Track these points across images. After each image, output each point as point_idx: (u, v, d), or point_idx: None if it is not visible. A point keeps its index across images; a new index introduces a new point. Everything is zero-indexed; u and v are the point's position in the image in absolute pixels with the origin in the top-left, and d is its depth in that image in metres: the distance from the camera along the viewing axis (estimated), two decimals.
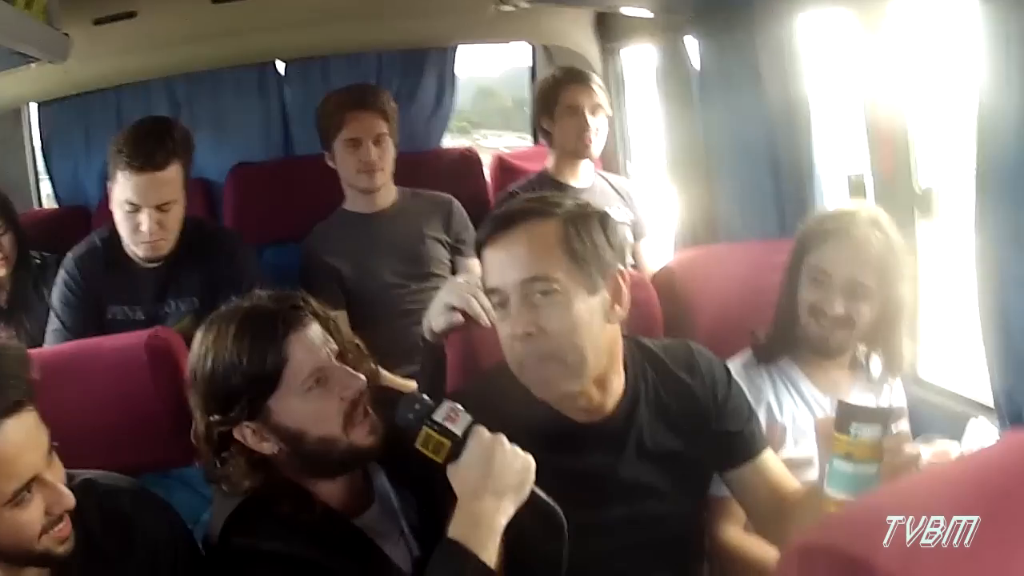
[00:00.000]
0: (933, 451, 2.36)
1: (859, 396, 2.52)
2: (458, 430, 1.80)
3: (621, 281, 1.96)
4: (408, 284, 3.63)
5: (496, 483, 1.78)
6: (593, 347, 1.94)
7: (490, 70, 8.27)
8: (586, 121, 3.90)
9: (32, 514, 1.71)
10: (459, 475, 1.80)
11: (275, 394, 1.92)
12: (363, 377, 1.98)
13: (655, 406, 2.09)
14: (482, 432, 1.81)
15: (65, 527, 1.77)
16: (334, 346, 1.99)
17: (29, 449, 1.70)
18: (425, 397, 1.85)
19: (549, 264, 1.91)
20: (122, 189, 2.98)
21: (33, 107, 4.78)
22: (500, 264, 1.96)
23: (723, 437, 2.13)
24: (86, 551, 1.83)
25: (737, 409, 2.15)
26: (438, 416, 1.81)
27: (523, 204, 2.02)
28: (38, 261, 3.81)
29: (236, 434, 1.95)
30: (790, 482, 2.15)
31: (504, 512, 1.79)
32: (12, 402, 1.67)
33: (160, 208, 2.99)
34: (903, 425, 2.20)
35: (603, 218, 2.00)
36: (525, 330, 1.92)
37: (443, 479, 1.83)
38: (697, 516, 2.25)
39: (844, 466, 1.82)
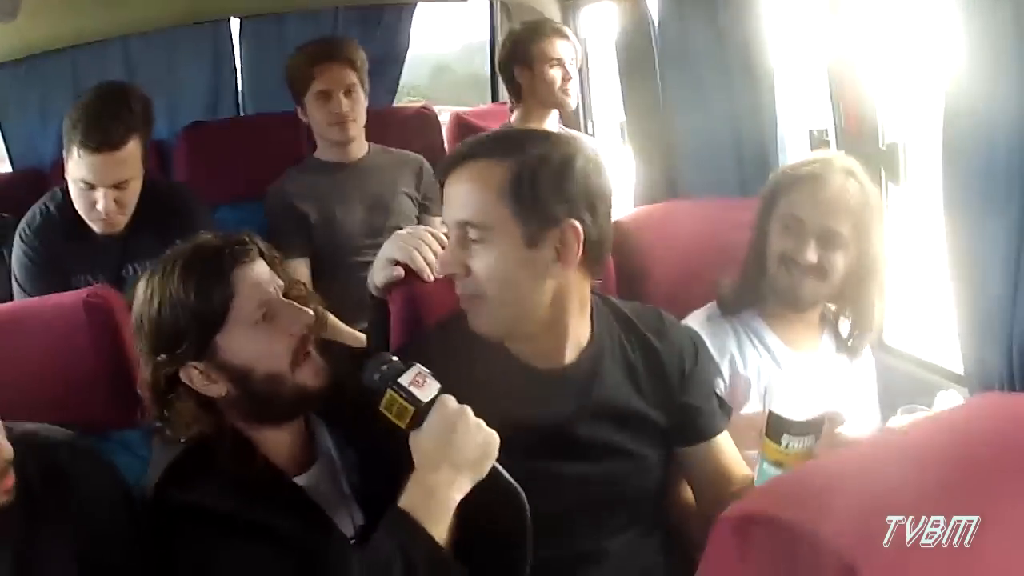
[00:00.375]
0: (913, 419, 2.35)
1: (827, 355, 2.52)
2: (424, 396, 1.77)
3: (573, 237, 1.89)
4: (374, 237, 3.57)
5: (455, 456, 1.76)
6: (520, 297, 1.92)
7: (447, 46, 8.34)
8: (567, 70, 3.94)
9: None
10: (419, 444, 1.77)
11: (222, 330, 1.90)
12: (311, 312, 1.96)
13: (622, 363, 2.07)
14: (448, 401, 1.77)
15: (8, 479, 1.73)
16: (280, 283, 1.98)
17: None
18: (394, 358, 1.81)
19: (485, 209, 1.89)
20: (77, 167, 2.91)
21: None
22: (447, 202, 1.96)
23: (683, 410, 2.10)
24: (24, 503, 1.79)
25: (701, 384, 2.13)
26: (404, 380, 1.77)
27: (482, 140, 1.99)
28: None
29: (183, 376, 1.92)
30: (740, 469, 2.14)
31: (459, 487, 1.77)
32: None
33: (117, 186, 2.94)
34: (845, 423, 2.18)
35: (568, 164, 1.92)
36: (451, 269, 1.94)
37: (391, 442, 1.80)
38: (660, 473, 2.17)
39: (774, 471, 1.84)
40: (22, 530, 1.79)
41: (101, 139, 2.86)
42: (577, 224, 1.88)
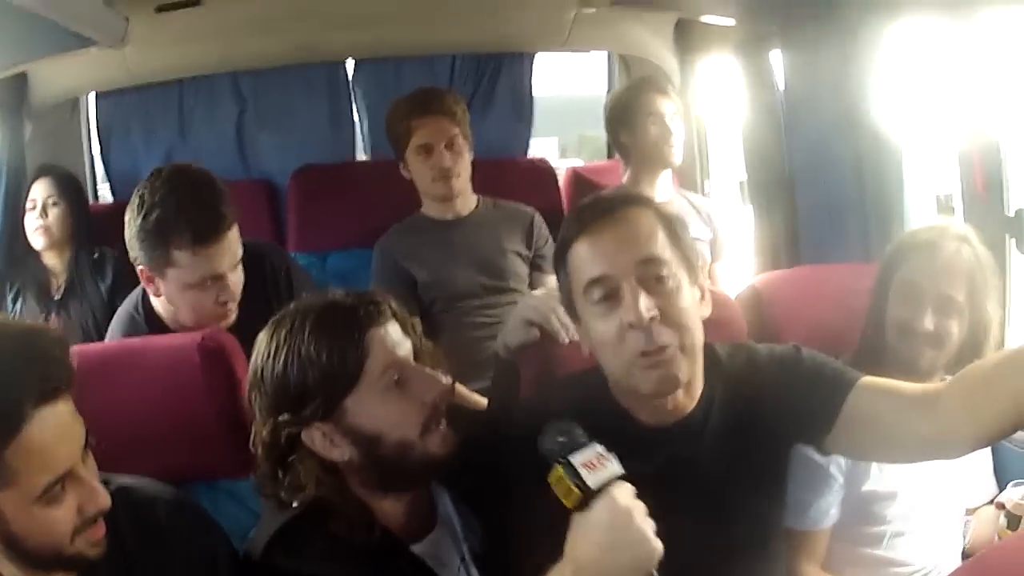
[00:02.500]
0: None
1: None
2: (593, 482, 1.67)
3: (708, 276, 1.98)
4: (484, 296, 3.66)
5: (608, 560, 1.68)
6: (700, 336, 1.97)
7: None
8: (668, 127, 3.92)
9: (65, 512, 1.67)
10: (576, 531, 1.70)
11: (352, 393, 1.89)
12: (445, 379, 1.96)
13: (728, 405, 2.07)
14: (617, 495, 1.68)
15: (99, 529, 1.73)
16: (410, 346, 1.98)
17: (64, 440, 1.66)
18: (578, 430, 1.73)
19: (659, 246, 1.94)
20: (192, 268, 2.64)
21: (91, 97, 4.87)
22: (607, 250, 1.96)
23: (808, 395, 2.04)
24: (116, 560, 1.79)
25: (815, 368, 2.09)
26: (577, 459, 1.69)
27: (615, 193, 2.07)
28: (95, 255, 3.94)
29: (305, 438, 1.91)
30: (909, 388, 2.03)
31: None
32: (50, 388, 1.64)
33: (233, 268, 2.74)
34: None
35: (682, 221, 2.04)
36: (649, 314, 1.89)
37: (515, 508, 1.84)
38: (773, 526, 2.17)
39: None
40: None
41: (217, 223, 2.65)
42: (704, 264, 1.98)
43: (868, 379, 2.03)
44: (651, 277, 1.92)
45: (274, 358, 1.91)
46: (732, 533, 2.06)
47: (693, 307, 1.96)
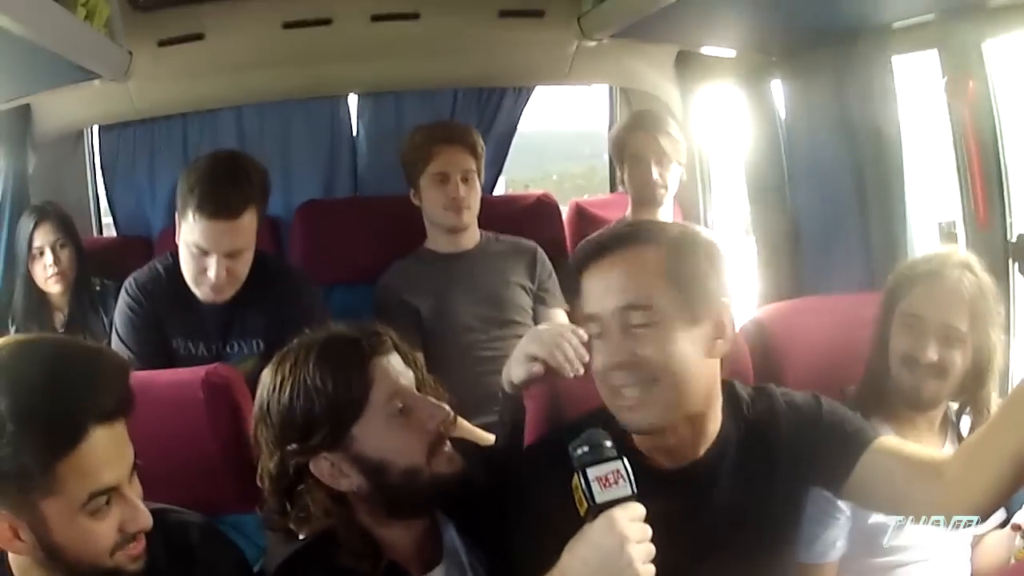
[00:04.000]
0: None
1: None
2: (600, 497, 1.71)
3: (726, 314, 1.98)
4: (488, 330, 3.67)
5: None
6: (691, 380, 1.96)
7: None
8: (649, 170, 3.92)
9: (107, 526, 1.73)
10: (575, 543, 1.74)
11: (359, 421, 1.94)
12: (447, 407, 2.00)
13: (746, 449, 2.09)
14: (618, 516, 1.71)
15: (139, 545, 1.78)
16: (412, 376, 2.02)
17: (115, 460, 1.73)
18: (605, 444, 1.76)
19: (649, 291, 1.94)
20: (191, 231, 2.97)
21: (95, 130, 4.89)
22: (598, 291, 2.00)
23: (825, 449, 2.07)
24: None
25: (834, 423, 2.11)
26: (594, 472, 1.73)
27: (624, 229, 2.06)
28: (98, 287, 3.94)
29: (313, 468, 1.95)
30: (928, 455, 2.08)
31: None
32: (108, 411, 1.72)
33: (230, 255, 3.00)
34: None
35: (710, 247, 2.02)
36: (623, 359, 1.94)
37: (517, 537, 1.87)
38: (787, 565, 2.18)
39: None
40: None
41: (219, 206, 2.92)
42: (728, 300, 1.99)
43: (883, 440, 2.06)
44: (631, 324, 1.94)
45: (280, 390, 1.95)
46: (745, 572, 2.06)
47: (683, 350, 1.95)
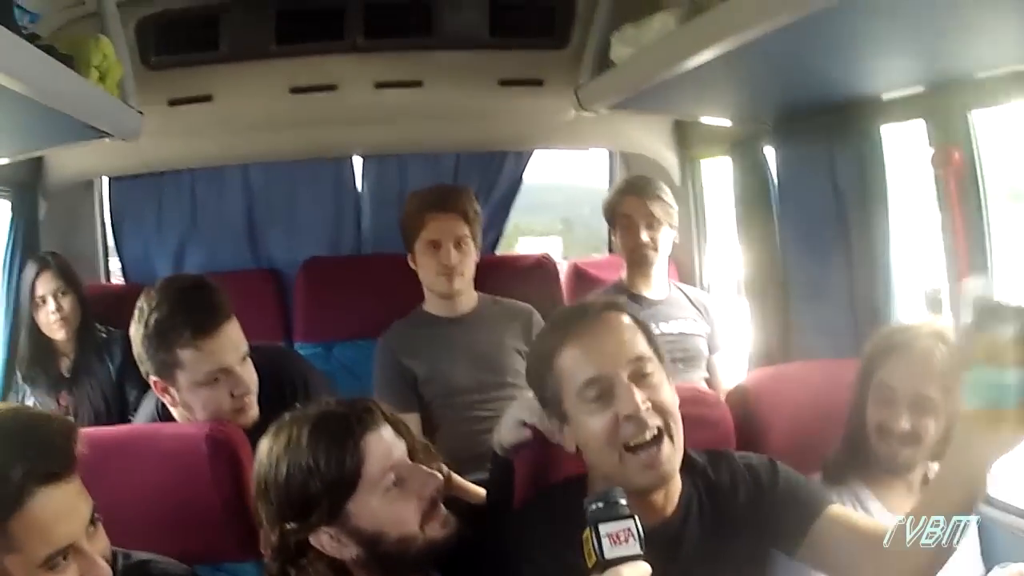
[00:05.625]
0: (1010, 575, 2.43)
1: None
2: (609, 554, 1.73)
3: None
4: (484, 392, 3.68)
5: None
6: (681, 428, 2.06)
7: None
8: (638, 234, 3.99)
9: None
10: None
11: (354, 496, 1.97)
12: (439, 474, 2.05)
13: (707, 511, 2.15)
14: (626, 574, 1.72)
15: None
16: (403, 446, 2.06)
17: (65, 518, 1.77)
18: (620, 503, 1.77)
19: (642, 346, 2.07)
20: (197, 363, 2.62)
21: (105, 181, 4.98)
22: (599, 351, 2.07)
23: (780, 515, 2.15)
24: None
25: (789, 490, 2.18)
26: (605, 528, 1.74)
27: (591, 302, 2.17)
28: (104, 335, 4.00)
29: (313, 541, 1.99)
30: (873, 525, 2.13)
31: None
32: (50, 473, 1.76)
33: (244, 360, 2.72)
34: None
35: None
36: (644, 405, 2.01)
37: None
38: None
39: (990, 375, 1.69)
40: None
41: (217, 315, 2.64)
42: None
43: (834, 509, 2.15)
44: (639, 373, 2.04)
45: (276, 468, 1.99)
46: None
47: (675, 399, 2.07)
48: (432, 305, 3.83)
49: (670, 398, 2.06)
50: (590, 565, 1.74)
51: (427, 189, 3.88)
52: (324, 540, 1.98)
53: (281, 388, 2.85)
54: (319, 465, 1.95)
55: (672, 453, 2.04)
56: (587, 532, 1.75)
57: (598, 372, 2.05)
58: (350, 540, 1.99)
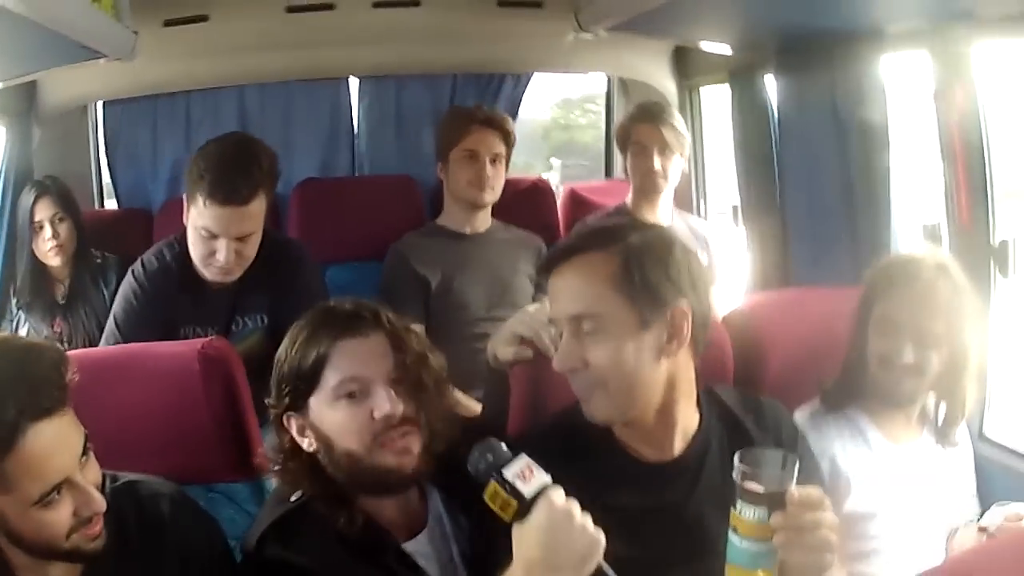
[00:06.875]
0: (1006, 514, 2.43)
1: (927, 446, 2.58)
2: (528, 491, 1.74)
3: (680, 316, 1.98)
4: (491, 310, 3.74)
5: (555, 557, 1.73)
6: (641, 383, 1.99)
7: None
8: (652, 160, 3.97)
9: (59, 515, 1.77)
10: (520, 538, 1.75)
11: (314, 394, 2.02)
12: (402, 406, 2.00)
13: (728, 454, 2.04)
14: (553, 498, 1.74)
15: (94, 526, 1.82)
16: (391, 363, 2.04)
17: (58, 453, 1.76)
18: (502, 447, 1.79)
19: (597, 300, 1.98)
20: (200, 216, 2.95)
21: (99, 105, 4.90)
22: (555, 296, 2.05)
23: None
24: (120, 550, 1.89)
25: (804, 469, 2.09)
26: (509, 472, 1.75)
27: (585, 234, 2.10)
28: (99, 260, 3.98)
29: (285, 422, 2.06)
30: None
31: None
32: (44, 407, 1.74)
33: (239, 239, 2.99)
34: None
35: (666, 250, 2.02)
36: (573, 364, 2.00)
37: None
38: None
39: (734, 539, 1.78)
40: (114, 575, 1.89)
41: (229, 193, 2.90)
42: (685, 302, 1.99)
43: None
44: (581, 331, 1.99)
45: (281, 347, 2.08)
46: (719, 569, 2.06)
47: (632, 355, 1.98)
48: (450, 219, 3.90)
49: (608, 359, 1.97)
50: (509, 517, 1.75)
51: (474, 106, 4.00)
52: (292, 424, 2.05)
53: (276, 274, 3.18)
54: (294, 352, 2.03)
55: (610, 405, 2.01)
56: (491, 487, 1.75)
57: (552, 315, 2.11)
58: (311, 434, 2.04)
